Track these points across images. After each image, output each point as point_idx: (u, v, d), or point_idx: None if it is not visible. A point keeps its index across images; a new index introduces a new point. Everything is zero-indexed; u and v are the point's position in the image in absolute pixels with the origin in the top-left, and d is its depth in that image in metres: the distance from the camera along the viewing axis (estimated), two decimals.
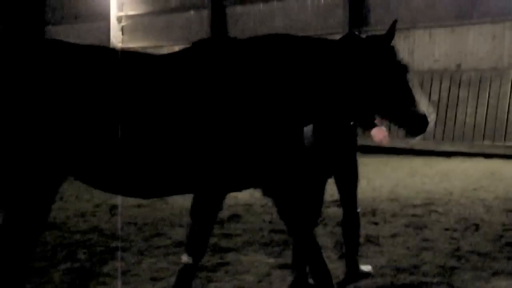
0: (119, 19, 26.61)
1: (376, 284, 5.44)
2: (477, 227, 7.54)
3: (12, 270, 3.77)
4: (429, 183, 11.12)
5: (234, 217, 8.09)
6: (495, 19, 16.65)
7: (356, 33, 4.49)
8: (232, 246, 6.62)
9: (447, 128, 15.72)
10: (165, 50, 25.00)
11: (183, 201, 9.28)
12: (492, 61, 16.37)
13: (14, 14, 29.22)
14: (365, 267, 5.64)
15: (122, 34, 26.72)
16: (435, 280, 5.49)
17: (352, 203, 5.52)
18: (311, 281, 5.23)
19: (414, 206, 8.87)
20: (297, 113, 4.23)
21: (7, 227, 3.76)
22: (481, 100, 15.60)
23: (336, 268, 5.61)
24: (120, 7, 26.63)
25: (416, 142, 16.68)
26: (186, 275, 4.89)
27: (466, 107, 15.79)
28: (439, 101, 15.94)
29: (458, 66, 16.74)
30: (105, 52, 4.16)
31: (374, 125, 4.99)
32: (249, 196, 9.79)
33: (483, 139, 15.31)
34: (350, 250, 5.57)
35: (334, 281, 4.55)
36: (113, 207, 8.77)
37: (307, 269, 5.09)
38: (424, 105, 4.42)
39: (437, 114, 14.81)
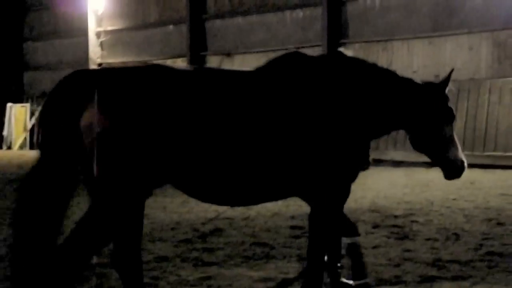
0: (98, 35, 26.57)
1: None
2: (457, 236, 7.58)
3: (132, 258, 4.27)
4: (409, 194, 11.18)
5: (216, 231, 8.07)
6: (471, 30, 16.86)
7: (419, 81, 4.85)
8: (214, 260, 6.60)
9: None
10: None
11: (164, 216, 9.26)
12: (470, 71, 16.54)
13: None
14: (348, 281, 5.64)
15: (102, 49, 26.67)
16: None
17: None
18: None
19: (395, 216, 8.91)
20: (364, 133, 4.73)
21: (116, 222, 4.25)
22: (459, 110, 15.72)
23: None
24: (99, 23, 26.60)
25: (396, 153, 16.71)
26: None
27: None
28: None
29: (437, 77, 16.88)
30: (202, 72, 4.65)
31: None
32: (231, 210, 9.78)
33: (462, 149, 15.40)
34: (332, 261, 5.57)
35: None
36: None
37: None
38: (462, 152, 4.93)
39: None
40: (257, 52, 21.51)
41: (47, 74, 29.24)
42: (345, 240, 5.46)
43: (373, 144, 4.99)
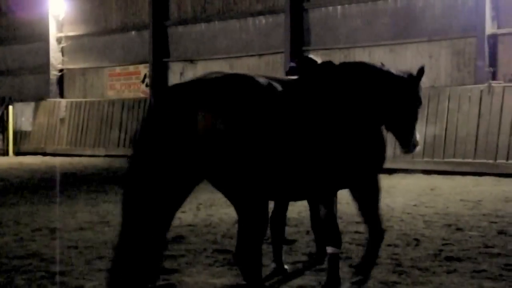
0: (59, 40, 26.27)
1: None
2: (417, 242, 7.66)
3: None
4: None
5: (178, 238, 8.02)
6: (431, 38, 17.10)
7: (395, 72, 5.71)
8: (175, 267, 6.56)
9: (388, 146, 15.96)
10: (106, 71, 24.81)
11: None
12: (430, 79, 16.75)
13: None
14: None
15: (62, 55, 26.38)
16: None
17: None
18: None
19: (357, 223, 8.94)
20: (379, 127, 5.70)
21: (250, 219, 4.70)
22: (420, 118, 15.94)
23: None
24: (60, 28, 26.31)
25: None
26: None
27: None
28: None
29: None
30: (284, 80, 5.16)
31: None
32: (193, 216, 9.75)
33: (423, 156, 15.61)
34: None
35: None
36: (53, 231, 8.59)
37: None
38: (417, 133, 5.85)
39: None
40: (220, 58, 21.52)
41: (7, 79, 28.79)
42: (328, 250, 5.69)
43: None
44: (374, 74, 5.59)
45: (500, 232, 8.23)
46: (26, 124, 26.16)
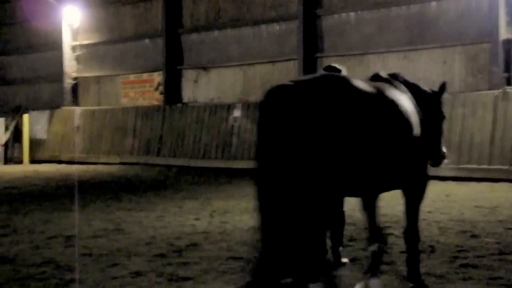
0: (73, 49, 26.44)
1: None
2: (432, 249, 7.62)
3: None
4: (386, 207, 11.15)
5: (192, 246, 8.03)
6: (445, 44, 17.03)
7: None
8: (190, 275, 6.56)
9: None
10: (120, 79, 24.93)
11: (140, 231, 9.20)
12: None
13: None
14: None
15: (77, 63, 26.53)
16: None
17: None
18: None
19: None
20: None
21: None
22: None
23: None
24: (74, 37, 26.47)
25: None
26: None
27: None
28: None
29: None
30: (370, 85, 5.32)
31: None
32: (207, 224, 9.75)
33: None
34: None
35: None
36: (68, 239, 8.63)
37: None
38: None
39: None
40: (233, 66, 21.55)
41: (22, 88, 29.01)
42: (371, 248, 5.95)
43: None
44: (415, 88, 6.01)
45: None
46: (41, 132, 26.32)
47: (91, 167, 22.34)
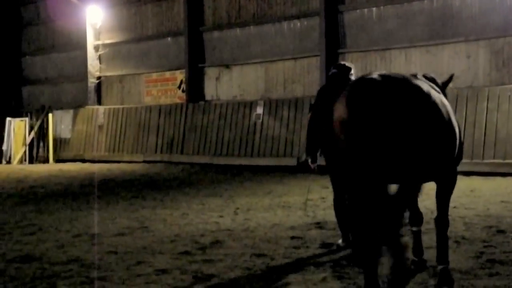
0: (96, 48, 26.61)
1: None
2: (458, 244, 7.56)
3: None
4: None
5: (216, 243, 8.05)
6: (468, 38, 16.87)
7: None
8: (214, 272, 6.58)
9: None
10: (142, 78, 25.06)
11: (164, 229, 9.24)
12: (468, 79, 16.56)
13: None
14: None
15: (100, 62, 26.70)
16: None
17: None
18: None
19: None
20: None
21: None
22: (458, 118, 15.74)
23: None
24: (97, 36, 26.63)
25: None
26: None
27: None
28: None
29: None
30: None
31: None
32: (231, 221, 9.77)
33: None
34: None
35: None
36: (93, 237, 8.69)
37: None
38: None
39: None
40: (255, 63, 21.55)
41: (46, 88, 29.27)
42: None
43: None
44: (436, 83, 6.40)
45: None
46: (65, 132, 26.56)
47: (115, 165, 22.48)
